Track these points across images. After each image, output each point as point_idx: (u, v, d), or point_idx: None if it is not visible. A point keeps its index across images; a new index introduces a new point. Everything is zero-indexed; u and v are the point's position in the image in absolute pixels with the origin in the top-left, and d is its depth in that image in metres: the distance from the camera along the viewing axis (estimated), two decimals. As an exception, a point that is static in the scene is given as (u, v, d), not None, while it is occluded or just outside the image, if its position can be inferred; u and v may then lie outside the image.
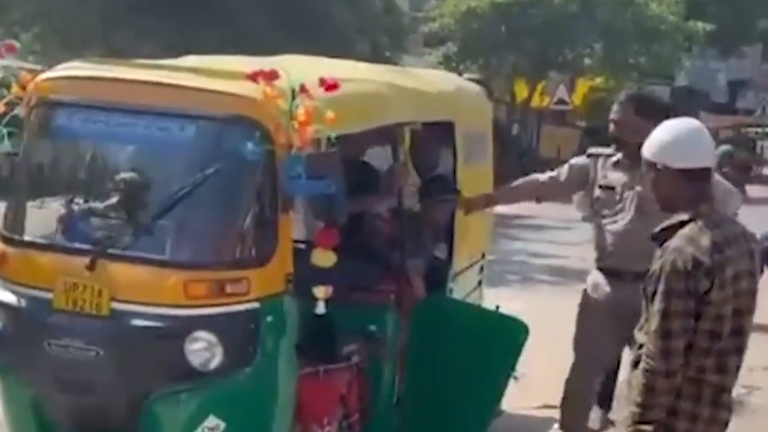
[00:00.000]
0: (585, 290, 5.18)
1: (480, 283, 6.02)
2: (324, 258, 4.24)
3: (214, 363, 3.81)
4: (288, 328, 3.94)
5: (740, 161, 6.18)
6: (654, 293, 3.05)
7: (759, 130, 26.97)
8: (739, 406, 6.61)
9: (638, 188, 4.88)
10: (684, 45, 25.13)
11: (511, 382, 5.16)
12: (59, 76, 4.27)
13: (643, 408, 3.05)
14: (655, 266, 3.07)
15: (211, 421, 3.84)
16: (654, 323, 3.04)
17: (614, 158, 5.05)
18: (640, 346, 3.18)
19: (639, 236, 4.84)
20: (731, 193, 6.34)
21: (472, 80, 6.16)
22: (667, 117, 5.08)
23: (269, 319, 3.86)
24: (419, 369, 4.84)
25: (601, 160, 5.10)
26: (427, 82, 5.42)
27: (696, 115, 23.57)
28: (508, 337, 4.91)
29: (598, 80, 24.16)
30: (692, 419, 3.13)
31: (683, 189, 3.11)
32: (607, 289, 5.02)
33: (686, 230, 3.07)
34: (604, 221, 5.03)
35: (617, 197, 4.98)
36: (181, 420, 3.87)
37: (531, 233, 14.31)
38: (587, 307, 5.14)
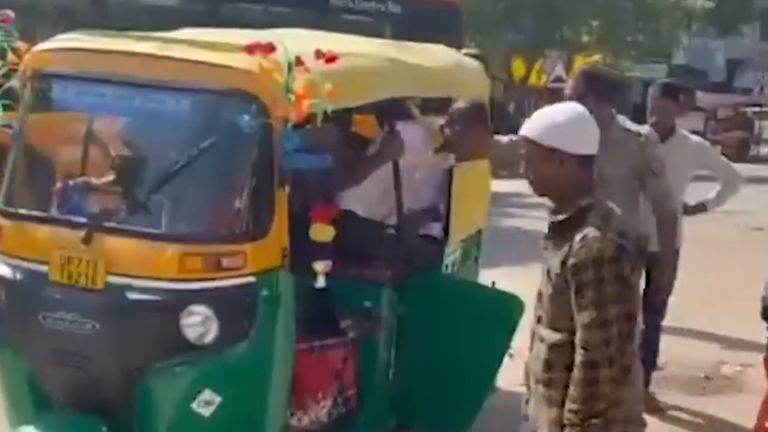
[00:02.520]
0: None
1: (476, 259, 6.01)
2: (322, 232, 4.24)
3: (210, 337, 3.81)
4: (284, 302, 3.93)
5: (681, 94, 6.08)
6: (581, 285, 2.97)
7: (757, 109, 26.92)
8: (734, 384, 6.68)
9: (597, 163, 4.88)
10: (683, 23, 25.08)
11: (506, 359, 5.17)
12: (55, 48, 4.25)
13: (589, 402, 2.98)
14: (578, 257, 2.96)
15: (207, 395, 3.84)
16: (589, 314, 2.96)
17: None
18: (542, 339, 3.14)
19: None
20: (736, 175, 6.33)
21: (471, 55, 6.13)
22: (618, 94, 5.13)
23: (265, 293, 3.86)
24: (414, 345, 4.85)
25: None
26: (426, 56, 5.39)
27: (693, 94, 23.58)
28: (503, 313, 4.90)
29: (596, 58, 24.14)
30: (629, 404, 3.12)
31: (581, 176, 3.06)
32: None
33: (593, 218, 3.02)
34: None
35: None
36: (177, 394, 3.86)
37: (528, 211, 14.30)
38: None
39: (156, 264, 3.84)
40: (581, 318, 2.97)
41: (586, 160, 3.07)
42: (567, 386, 3.03)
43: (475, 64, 5.98)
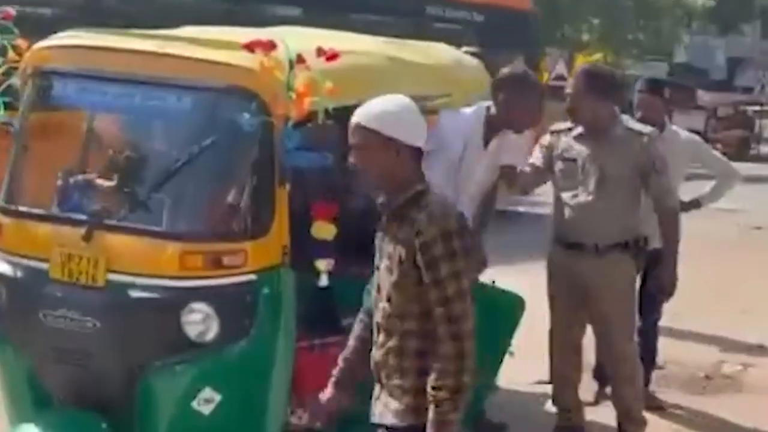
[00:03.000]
0: (548, 264, 5.19)
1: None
2: (324, 230, 4.24)
3: (211, 335, 3.81)
4: (285, 300, 3.93)
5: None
6: (434, 260, 2.96)
7: (758, 108, 26.88)
8: (734, 384, 6.67)
9: (599, 161, 4.89)
10: (683, 21, 25.08)
11: (507, 358, 5.17)
12: (55, 45, 4.25)
13: (458, 375, 2.98)
14: (427, 235, 2.96)
15: (207, 393, 3.84)
16: (449, 287, 2.97)
17: (576, 131, 5.04)
18: (383, 330, 3.10)
19: (599, 209, 4.87)
20: (731, 170, 6.32)
21: (471, 53, 6.12)
22: (619, 93, 5.15)
23: (266, 291, 3.85)
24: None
25: (563, 134, 5.10)
26: (426, 54, 5.38)
27: (694, 93, 23.56)
28: (504, 312, 4.90)
29: (598, 56, 24.11)
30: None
31: (415, 167, 3.08)
32: (565, 261, 5.01)
33: (433, 197, 3.04)
34: (564, 194, 5.02)
35: (578, 170, 4.97)
36: (177, 391, 3.86)
37: (528, 210, 14.30)
38: (551, 284, 5.16)
39: (157, 262, 3.84)
40: (440, 292, 2.98)
41: (419, 153, 3.09)
42: (420, 373, 3.03)
43: (475, 61, 5.97)
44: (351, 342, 3.32)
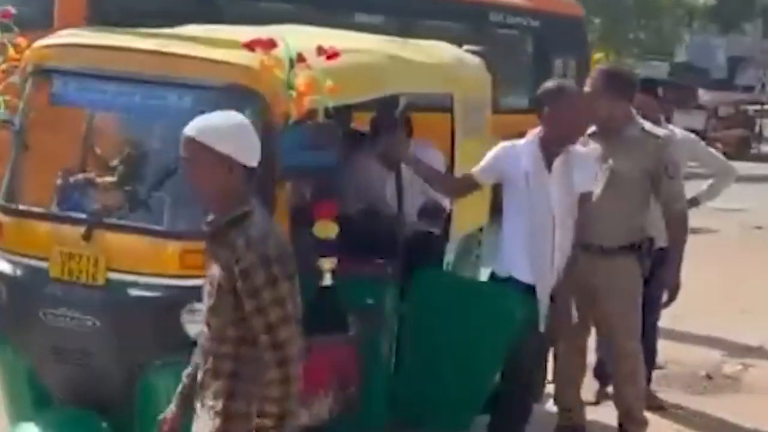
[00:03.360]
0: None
1: (478, 256, 6.00)
2: (326, 229, 4.23)
3: (211, 334, 3.79)
4: (285, 299, 3.91)
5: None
6: (256, 288, 2.90)
7: (758, 107, 26.87)
8: (735, 383, 6.67)
9: (611, 161, 4.87)
10: (684, 20, 25.07)
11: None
12: (55, 44, 4.24)
13: (284, 401, 2.92)
14: (246, 261, 2.89)
15: (207, 391, 3.83)
16: (272, 314, 2.90)
17: (589, 129, 5.01)
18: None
19: (608, 210, 4.84)
20: (728, 168, 6.31)
21: (472, 52, 6.12)
22: (635, 92, 5.10)
23: (266, 290, 3.84)
24: (416, 342, 4.84)
25: None
26: (427, 53, 5.38)
27: (695, 92, 23.55)
28: (505, 311, 4.89)
29: (598, 55, 24.10)
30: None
31: (245, 186, 2.99)
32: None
33: (255, 221, 2.96)
34: None
35: None
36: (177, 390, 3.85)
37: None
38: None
39: (157, 260, 3.84)
40: (263, 320, 2.91)
41: (251, 172, 3.01)
42: (229, 395, 2.99)
43: (476, 60, 5.97)
44: (194, 359, 3.23)
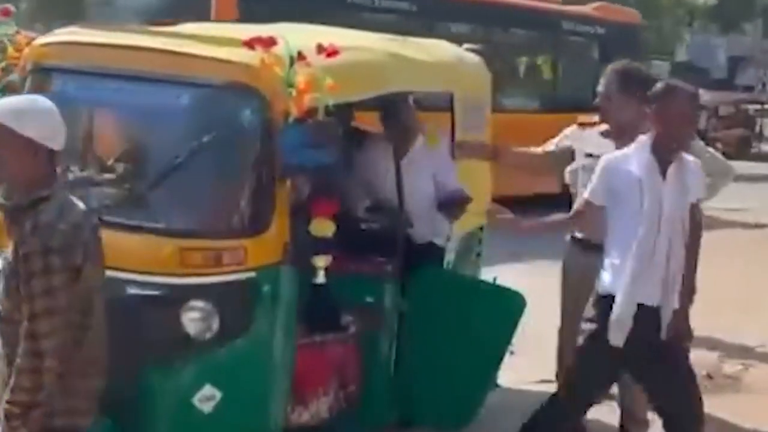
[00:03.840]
0: (563, 262, 5.15)
1: (478, 255, 6.00)
2: (323, 227, 4.23)
3: (210, 332, 3.80)
4: (285, 297, 3.91)
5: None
6: (30, 274, 2.91)
7: (759, 106, 26.87)
8: (735, 383, 6.66)
9: None
10: (685, 20, 25.06)
11: (508, 356, 5.15)
12: (55, 42, 4.24)
13: (31, 392, 2.92)
14: (29, 246, 2.90)
15: (207, 390, 3.83)
16: (38, 304, 2.91)
17: (602, 127, 5.00)
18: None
19: None
20: (725, 166, 6.29)
21: (472, 50, 6.11)
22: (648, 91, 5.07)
23: (266, 288, 3.84)
24: (416, 341, 4.83)
25: (588, 129, 5.06)
26: (427, 51, 5.37)
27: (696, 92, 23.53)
28: (505, 310, 4.89)
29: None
30: (78, 397, 3.09)
31: (48, 169, 3.02)
32: (582, 260, 4.96)
33: (49, 208, 2.97)
34: (585, 191, 4.96)
35: None
36: (177, 389, 3.85)
37: (529, 208, 14.31)
38: (564, 284, 5.12)
39: (156, 259, 3.83)
40: (30, 308, 2.92)
41: (56, 155, 3.04)
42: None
43: (476, 59, 5.97)
44: None
